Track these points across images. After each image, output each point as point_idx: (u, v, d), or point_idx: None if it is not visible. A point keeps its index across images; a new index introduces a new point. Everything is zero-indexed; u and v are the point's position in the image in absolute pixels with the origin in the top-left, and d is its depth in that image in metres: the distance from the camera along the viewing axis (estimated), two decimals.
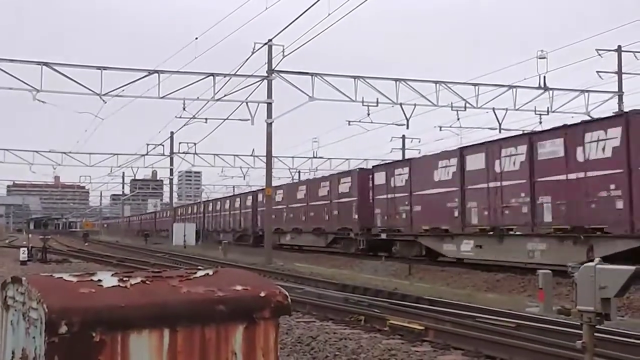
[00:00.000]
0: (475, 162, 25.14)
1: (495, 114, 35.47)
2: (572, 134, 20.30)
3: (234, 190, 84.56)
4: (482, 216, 24.74)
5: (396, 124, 37.68)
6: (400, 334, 11.34)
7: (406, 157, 50.27)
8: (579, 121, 21.77)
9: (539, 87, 34.55)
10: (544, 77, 34.18)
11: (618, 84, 37.72)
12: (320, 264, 32.81)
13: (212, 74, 32.20)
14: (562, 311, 8.79)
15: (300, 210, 42.87)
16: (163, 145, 59.17)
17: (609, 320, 6.26)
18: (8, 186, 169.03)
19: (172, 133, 60.25)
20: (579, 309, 6.28)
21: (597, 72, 37.37)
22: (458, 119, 36.50)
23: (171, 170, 64.47)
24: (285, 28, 29.37)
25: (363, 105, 32.82)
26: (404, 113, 33.92)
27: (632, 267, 6.17)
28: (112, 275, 3.73)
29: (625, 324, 12.66)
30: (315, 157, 59.74)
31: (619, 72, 37.75)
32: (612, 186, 18.89)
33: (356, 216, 34.89)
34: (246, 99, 33.64)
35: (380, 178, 32.29)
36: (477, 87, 34.28)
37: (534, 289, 18.09)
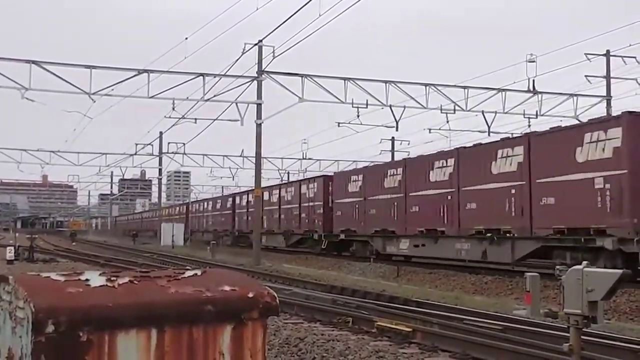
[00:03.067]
0: None
1: (485, 117, 35.56)
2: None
3: (222, 191, 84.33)
4: None
5: (386, 126, 37.77)
6: (388, 335, 11.36)
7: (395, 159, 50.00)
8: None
9: (528, 91, 34.69)
10: (533, 80, 34.36)
11: (606, 88, 37.94)
12: (308, 265, 32.81)
13: (201, 74, 32.14)
14: (549, 314, 8.83)
15: (434, 201, 26.88)
16: (152, 145, 59.06)
17: (595, 323, 6.29)
18: None
19: (161, 133, 60.22)
20: (566, 312, 6.30)
21: (586, 76, 37.65)
22: (447, 122, 36.63)
23: (160, 170, 64.42)
24: (276, 29, 29.39)
25: (353, 106, 32.87)
26: (394, 115, 34.00)
27: (619, 271, 6.20)
28: (100, 274, 3.71)
29: (611, 327, 12.73)
30: (305, 159, 59.79)
31: (608, 77, 37.98)
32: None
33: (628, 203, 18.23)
34: (236, 99, 33.63)
35: None
36: (466, 90, 34.37)
37: (521, 291, 18.16)
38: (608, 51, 37.81)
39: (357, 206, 33.31)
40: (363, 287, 20.05)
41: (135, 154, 58.49)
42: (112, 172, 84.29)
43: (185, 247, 56.47)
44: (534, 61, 33.56)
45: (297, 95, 31.93)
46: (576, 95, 36.57)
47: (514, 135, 27.89)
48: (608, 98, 37.66)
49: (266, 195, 45.20)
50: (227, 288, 3.81)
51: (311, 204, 39.22)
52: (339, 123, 39.54)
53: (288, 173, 66.32)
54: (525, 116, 35.85)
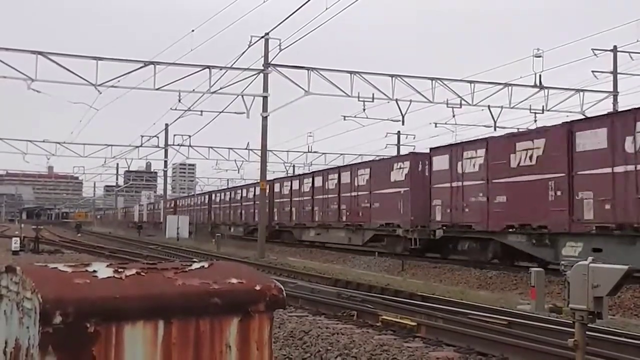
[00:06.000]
0: None
1: (491, 112, 35.46)
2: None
3: (228, 183, 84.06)
4: None
5: (391, 120, 37.68)
6: (393, 329, 11.37)
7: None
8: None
9: (535, 86, 34.57)
10: (540, 75, 34.23)
11: (613, 83, 37.79)
12: (313, 259, 32.82)
13: (208, 67, 32.11)
14: (554, 309, 8.82)
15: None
16: (158, 137, 59.01)
17: (600, 318, 6.28)
18: (1, 175, 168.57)
19: (166, 125, 60.09)
20: (572, 307, 6.29)
21: (593, 71, 37.47)
22: (453, 116, 36.48)
23: (165, 162, 64.33)
24: (283, 22, 29.35)
25: (359, 100, 32.77)
26: (400, 109, 33.91)
27: (625, 267, 6.19)
28: (107, 266, 3.72)
29: (615, 323, 12.72)
30: (310, 152, 59.74)
31: (614, 72, 37.83)
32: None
33: None
34: (242, 92, 33.56)
35: None
36: (472, 85, 34.27)
37: (526, 286, 18.15)
38: (615, 47, 37.65)
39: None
40: (368, 280, 20.07)
41: (141, 145, 58.58)
42: (117, 164, 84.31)
43: (190, 239, 56.55)
44: (540, 56, 33.46)
45: (303, 89, 31.89)
46: (583, 90, 36.44)
47: None
48: (615, 94, 37.52)
49: (318, 182, 39.87)
50: (233, 281, 3.81)
51: (392, 190, 31.35)
52: (344, 116, 39.48)
53: (294, 166, 66.30)
54: (532, 111, 35.75)
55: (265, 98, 32.77)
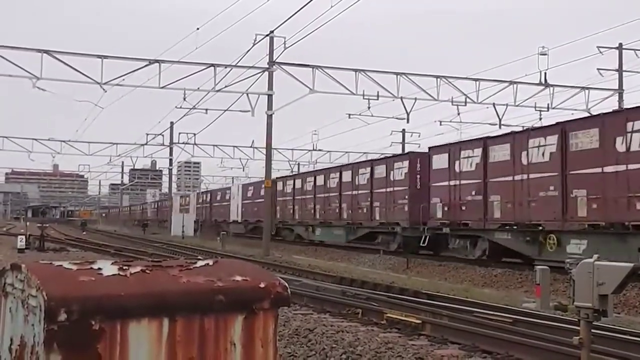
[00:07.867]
0: None
1: (496, 110, 35.41)
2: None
3: (233, 181, 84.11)
4: None
5: (396, 118, 37.65)
6: (398, 327, 11.35)
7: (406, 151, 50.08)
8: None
9: (540, 84, 34.52)
10: (545, 73, 34.18)
11: (618, 81, 37.72)
12: (318, 257, 32.84)
13: (213, 65, 32.13)
14: (559, 307, 8.81)
15: None
16: (163, 135, 59.17)
17: (606, 316, 6.27)
18: (6, 174, 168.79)
19: (172, 123, 60.23)
20: (577, 305, 6.28)
21: (598, 69, 37.41)
22: (458, 114, 36.45)
23: (170, 160, 64.46)
24: (287, 20, 29.35)
25: (364, 98, 32.77)
26: (405, 107, 33.89)
27: (630, 264, 6.18)
28: (112, 264, 3.72)
29: (621, 321, 12.69)
30: (315, 150, 59.73)
31: (620, 70, 37.74)
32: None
33: None
34: (247, 90, 33.61)
35: None
36: (477, 83, 34.22)
37: (531, 284, 18.14)
38: (620, 44, 37.58)
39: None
40: (372, 278, 20.05)
41: (146, 144, 58.72)
42: (122, 162, 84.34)
43: (195, 237, 56.61)
44: (545, 54, 33.40)
45: (307, 87, 31.91)
46: (588, 88, 36.37)
47: None
48: (620, 91, 37.44)
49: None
50: (238, 278, 3.81)
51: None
52: (349, 114, 39.47)
53: (298, 164, 66.28)
54: (537, 109, 35.69)
55: (270, 96, 32.78)
